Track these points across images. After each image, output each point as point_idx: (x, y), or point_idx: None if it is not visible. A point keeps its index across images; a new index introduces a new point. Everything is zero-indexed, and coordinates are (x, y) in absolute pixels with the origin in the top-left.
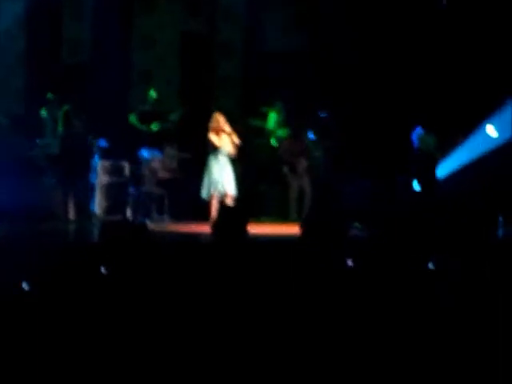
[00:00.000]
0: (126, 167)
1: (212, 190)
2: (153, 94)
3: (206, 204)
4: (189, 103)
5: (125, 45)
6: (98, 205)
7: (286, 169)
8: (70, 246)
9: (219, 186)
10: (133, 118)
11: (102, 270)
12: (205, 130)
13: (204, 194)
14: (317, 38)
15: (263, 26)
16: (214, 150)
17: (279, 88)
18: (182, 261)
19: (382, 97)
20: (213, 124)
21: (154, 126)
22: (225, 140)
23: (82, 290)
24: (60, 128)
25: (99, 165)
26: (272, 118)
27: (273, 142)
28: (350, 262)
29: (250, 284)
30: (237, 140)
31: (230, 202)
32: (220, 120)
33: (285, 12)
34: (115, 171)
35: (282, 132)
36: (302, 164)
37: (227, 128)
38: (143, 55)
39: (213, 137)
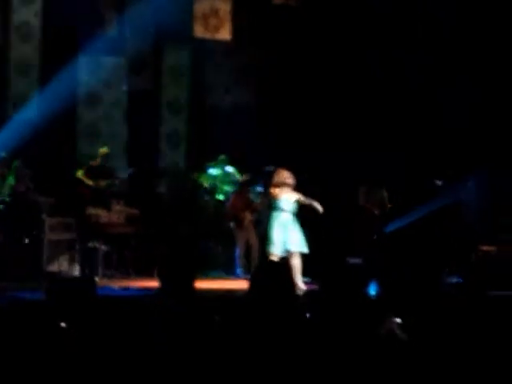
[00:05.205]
0: (73, 223)
1: (280, 249)
2: (103, 149)
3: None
4: (136, 159)
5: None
6: (45, 261)
7: (231, 223)
8: (19, 303)
9: (284, 246)
10: (80, 174)
11: (63, 324)
12: (151, 185)
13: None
14: (260, 94)
15: (208, 83)
16: (275, 205)
17: (226, 142)
18: (129, 316)
19: (325, 153)
20: (277, 179)
21: (102, 182)
22: (286, 194)
23: (33, 346)
24: (9, 184)
25: (46, 221)
26: (218, 174)
27: (220, 197)
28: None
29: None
30: (304, 199)
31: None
32: (284, 174)
33: (227, 69)
34: (62, 227)
35: (228, 187)
36: (248, 218)
37: (291, 181)
38: (89, 112)
39: (273, 190)
